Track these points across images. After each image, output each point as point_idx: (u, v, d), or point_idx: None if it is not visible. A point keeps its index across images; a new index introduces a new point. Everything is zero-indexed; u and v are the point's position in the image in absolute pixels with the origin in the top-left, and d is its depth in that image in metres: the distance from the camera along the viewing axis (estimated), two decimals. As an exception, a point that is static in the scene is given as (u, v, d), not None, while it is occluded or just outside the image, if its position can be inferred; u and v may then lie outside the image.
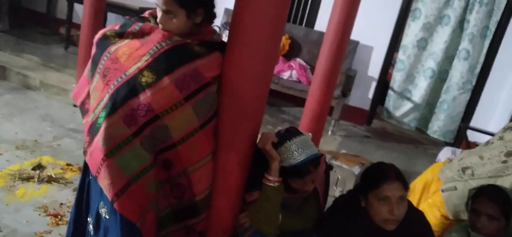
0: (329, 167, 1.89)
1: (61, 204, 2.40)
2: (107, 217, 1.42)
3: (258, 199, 1.62)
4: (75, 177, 2.69)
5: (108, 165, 1.36)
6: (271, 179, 1.55)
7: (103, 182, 1.38)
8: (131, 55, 1.40)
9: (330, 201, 1.88)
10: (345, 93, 4.26)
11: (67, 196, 2.48)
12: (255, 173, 1.62)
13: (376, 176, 1.60)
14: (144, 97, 1.36)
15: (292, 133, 1.63)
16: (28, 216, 2.24)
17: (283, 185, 1.59)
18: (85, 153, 1.46)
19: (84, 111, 1.53)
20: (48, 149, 3.00)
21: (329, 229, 1.70)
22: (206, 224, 1.64)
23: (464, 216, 1.99)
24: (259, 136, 1.63)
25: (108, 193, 1.38)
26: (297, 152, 1.55)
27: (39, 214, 2.27)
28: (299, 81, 4.36)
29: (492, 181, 1.99)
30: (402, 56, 4.57)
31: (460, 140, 4.42)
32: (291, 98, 4.58)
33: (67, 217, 2.28)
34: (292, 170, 1.55)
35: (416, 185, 2.44)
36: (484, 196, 1.77)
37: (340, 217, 1.71)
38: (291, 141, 1.58)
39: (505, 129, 2.16)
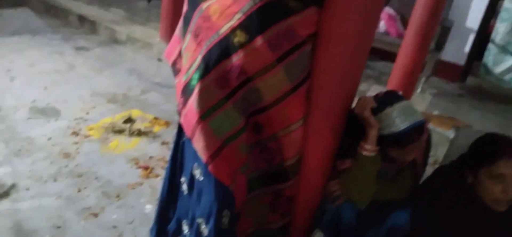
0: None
1: (151, 157, 2.50)
2: (201, 179, 1.42)
3: (351, 168, 1.52)
4: (162, 130, 2.79)
5: (202, 127, 1.34)
6: (368, 147, 1.43)
7: (198, 144, 1.37)
8: (223, 13, 1.32)
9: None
10: (440, 46, 3.87)
11: (156, 150, 2.58)
12: (349, 139, 1.51)
13: (490, 151, 1.40)
14: (237, 58, 1.29)
15: (393, 97, 1.47)
16: (120, 168, 2.37)
17: (380, 154, 1.47)
18: (179, 114, 1.45)
19: (176, 71, 1.51)
20: (136, 103, 3.14)
21: (426, 202, 1.56)
22: (295, 189, 1.59)
23: None
24: (356, 100, 1.50)
25: (202, 155, 1.37)
26: (399, 119, 1.40)
27: (131, 166, 2.40)
28: (388, 33, 4.03)
29: None
30: (508, 4, 4.00)
31: None
32: (377, 51, 4.28)
33: (157, 170, 2.38)
34: (392, 138, 1.41)
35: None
36: None
37: (440, 190, 1.55)
38: (392, 106, 1.42)
39: None
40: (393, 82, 2.46)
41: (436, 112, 3.41)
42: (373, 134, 1.41)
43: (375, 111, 1.43)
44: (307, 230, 1.77)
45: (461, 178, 1.50)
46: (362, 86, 3.75)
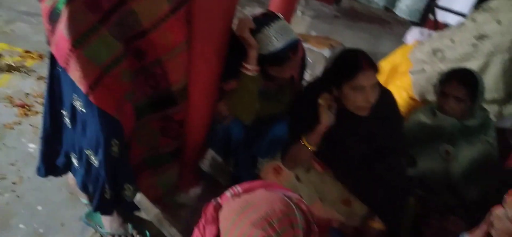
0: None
1: (27, 94, 2.30)
2: (84, 110, 1.37)
3: (236, 88, 1.61)
4: (36, 65, 2.55)
5: (77, 56, 1.26)
6: (250, 68, 1.52)
7: (75, 74, 1.30)
8: None
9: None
10: (316, -30, 4.08)
11: (32, 85, 2.37)
12: (232, 61, 1.58)
13: (350, 66, 1.55)
14: None
15: (269, 17, 1.55)
16: (-7, 108, 2.15)
17: (261, 73, 1.58)
18: (49, 43, 1.35)
19: (39, -6, 1.37)
20: (1, 35, 2.78)
21: (301, 114, 1.73)
22: (185, 113, 1.63)
23: (430, 97, 2.09)
24: (236, 22, 1.55)
25: (81, 86, 1.31)
26: (276, 38, 1.50)
27: (5, 105, 2.18)
28: (269, -43, 4.09)
29: (461, 64, 2.06)
30: None
31: (427, 17, 4.45)
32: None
33: (36, 107, 2.21)
34: (271, 57, 1.52)
35: (384, 66, 2.50)
36: (454, 79, 1.83)
37: (313, 103, 1.68)
38: (269, 26, 1.51)
39: (478, 10, 2.17)
40: (274, 5, 2.56)
41: (313, 33, 3.68)
42: (253, 54, 1.50)
43: (254, 32, 1.50)
44: (199, 151, 1.86)
45: (328, 91, 1.65)
46: (247, 11, 3.83)
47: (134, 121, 1.50)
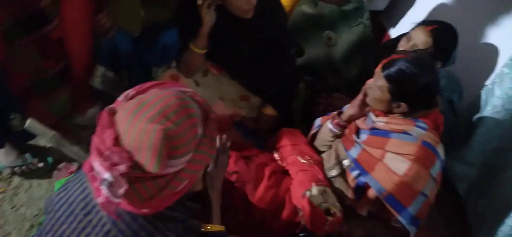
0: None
1: None
2: None
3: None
4: None
5: None
6: (125, -29, 1.44)
7: None
8: None
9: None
10: None
11: None
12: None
13: None
14: None
15: None
16: None
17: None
18: None
19: None
20: None
21: (185, 19, 1.68)
22: (62, 30, 1.52)
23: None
24: None
25: None
26: None
27: None
28: None
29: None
30: None
31: None
32: None
33: None
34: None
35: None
36: None
37: (194, 7, 1.60)
38: None
39: None
40: None
41: None
42: None
43: None
44: (87, 69, 1.77)
45: None
46: None
47: (4, 46, 1.37)
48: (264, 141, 1.92)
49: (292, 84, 2.01)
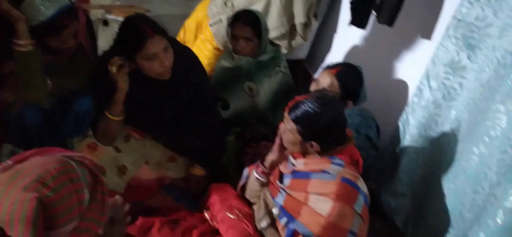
0: (91, 20, 1.79)
1: None
2: None
3: (14, 69, 1.46)
4: None
5: None
6: (22, 43, 1.39)
7: None
8: None
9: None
10: None
11: None
12: (1, 40, 1.42)
13: (135, 37, 1.47)
14: None
15: None
16: None
17: (39, 47, 1.45)
18: None
19: None
20: None
21: (98, 86, 1.65)
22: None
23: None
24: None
25: None
26: (43, 6, 1.39)
27: None
28: None
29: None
30: None
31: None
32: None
33: None
34: (43, 27, 1.41)
35: (190, 24, 2.58)
36: (239, 21, 2.01)
37: (106, 73, 1.54)
38: None
39: None
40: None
41: (117, 3, 3.52)
42: (21, 27, 1.37)
43: (16, 3, 1.36)
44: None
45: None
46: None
47: None
48: (197, 201, 1.85)
49: (218, 139, 1.99)
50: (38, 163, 0.82)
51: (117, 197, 1.05)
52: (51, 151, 0.91)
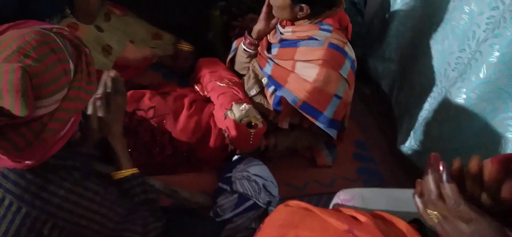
0: None
1: None
2: None
3: None
4: None
5: None
6: None
7: None
8: None
9: None
10: None
11: None
12: None
13: None
14: None
15: None
16: None
17: None
18: None
19: None
20: None
21: None
22: None
23: None
24: None
25: None
26: None
27: None
28: None
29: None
30: None
31: None
32: None
33: None
34: None
35: None
36: None
37: None
38: None
39: None
40: None
41: None
42: None
43: None
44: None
45: None
46: None
47: None
48: (187, 78, 1.86)
49: (202, 12, 1.93)
50: (16, 35, 0.79)
51: (113, 71, 1.07)
52: (28, 23, 0.88)
